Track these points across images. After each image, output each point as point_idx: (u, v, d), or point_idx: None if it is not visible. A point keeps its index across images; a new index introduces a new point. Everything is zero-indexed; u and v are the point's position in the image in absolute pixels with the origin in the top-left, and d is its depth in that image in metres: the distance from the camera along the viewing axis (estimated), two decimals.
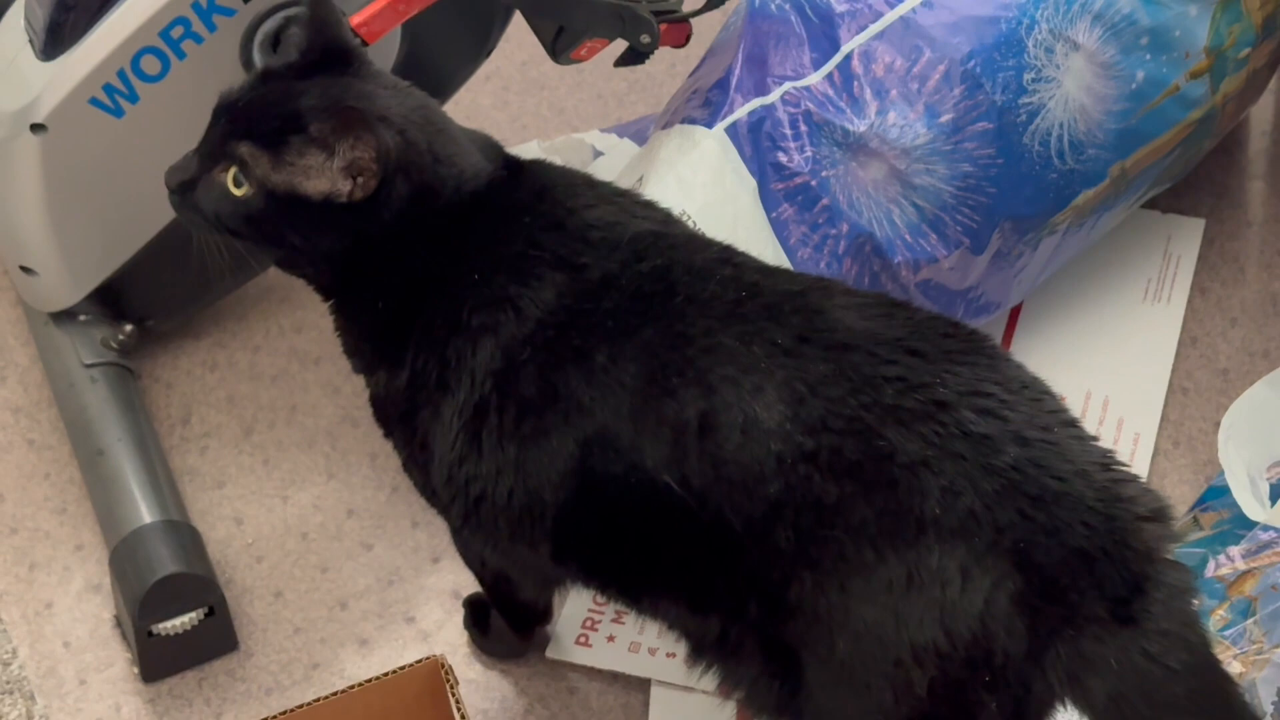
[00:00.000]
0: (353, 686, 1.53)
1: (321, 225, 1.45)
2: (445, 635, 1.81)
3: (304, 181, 1.42)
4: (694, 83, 1.83)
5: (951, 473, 1.27)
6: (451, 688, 1.49)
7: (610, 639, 1.76)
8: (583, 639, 1.76)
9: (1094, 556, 1.26)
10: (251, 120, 1.45)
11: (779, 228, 1.74)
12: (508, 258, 1.46)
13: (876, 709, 1.34)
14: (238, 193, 1.44)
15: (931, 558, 1.26)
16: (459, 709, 1.49)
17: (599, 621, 1.77)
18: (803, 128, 1.73)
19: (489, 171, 1.50)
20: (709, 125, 1.74)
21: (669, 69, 2.22)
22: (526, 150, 2.04)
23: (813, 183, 1.73)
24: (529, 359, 1.42)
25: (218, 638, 1.79)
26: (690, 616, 1.45)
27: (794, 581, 1.33)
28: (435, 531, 1.86)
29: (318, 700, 1.51)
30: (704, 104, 1.77)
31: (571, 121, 2.23)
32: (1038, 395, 1.35)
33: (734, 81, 1.75)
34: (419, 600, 1.84)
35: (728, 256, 1.47)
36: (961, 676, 1.29)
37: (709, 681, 1.47)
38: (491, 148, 1.54)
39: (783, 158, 1.73)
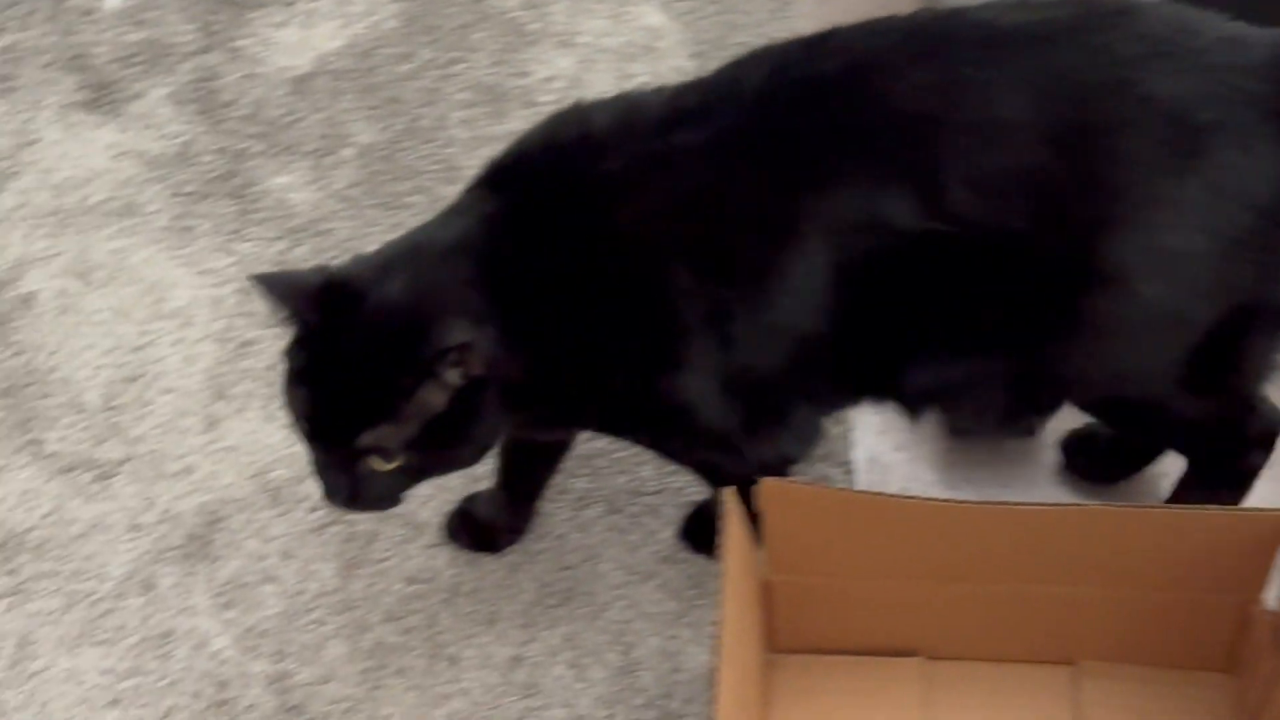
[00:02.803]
0: (1194, 507, 1.54)
1: (480, 404, 1.46)
2: None
3: (431, 409, 1.44)
4: None
5: (1198, 84, 1.40)
6: None
7: None
8: None
9: None
10: (345, 411, 1.44)
11: None
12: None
13: (1190, 331, 1.46)
14: (389, 466, 1.46)
15: (1216, 156, 1.39)
16: None
17: None
18: None
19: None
20: None
21: None
22: None
23: None
24: (719, 236, 1.45)
25: None
26: (958, 361, 1.51)
27: (1097, 250, 1.40)
28: None
29: (1156, 506, 1.53)
30: None
31: None
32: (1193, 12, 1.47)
33: None
34: None
35: (821, 34, 1.50)
36: (1272, 241, 1.43)
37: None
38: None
39: None
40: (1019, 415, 1.63)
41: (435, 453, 1.47)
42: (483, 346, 1.42)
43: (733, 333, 1.48)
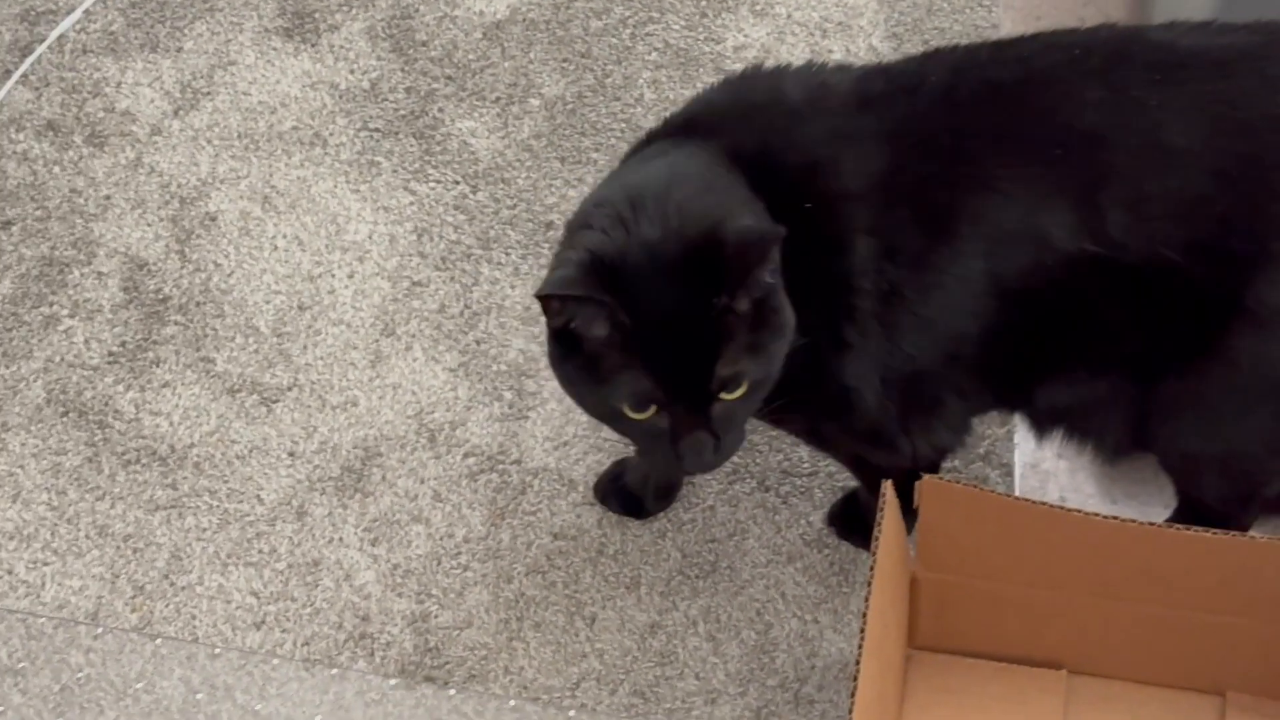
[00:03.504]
0: None
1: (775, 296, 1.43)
2: None
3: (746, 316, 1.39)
4: None
5: None
6: None
7: None
8: None
9: None
10: (691, 354, 1.39)
11: None
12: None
13: None
14: (741, 391, 1.41)
15: None
16: None
17: None
18: None
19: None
20: None
21: None
22: None
23: None
24: (895, 221, 1.44)
25: None
26: (1089, 382, 1.50)
27: (1249, 287, 1.36)
28: None
29: None
30: None
31: None
32: None
33: None
34: None
35: (1003, 41, 1.51)
36: None
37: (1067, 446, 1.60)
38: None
39: None
40: (1132, 448, 1.59)
41: (765, 359, 1.42)
42: (774, 235, 1.38)
43: (898, 321, 1.48)
